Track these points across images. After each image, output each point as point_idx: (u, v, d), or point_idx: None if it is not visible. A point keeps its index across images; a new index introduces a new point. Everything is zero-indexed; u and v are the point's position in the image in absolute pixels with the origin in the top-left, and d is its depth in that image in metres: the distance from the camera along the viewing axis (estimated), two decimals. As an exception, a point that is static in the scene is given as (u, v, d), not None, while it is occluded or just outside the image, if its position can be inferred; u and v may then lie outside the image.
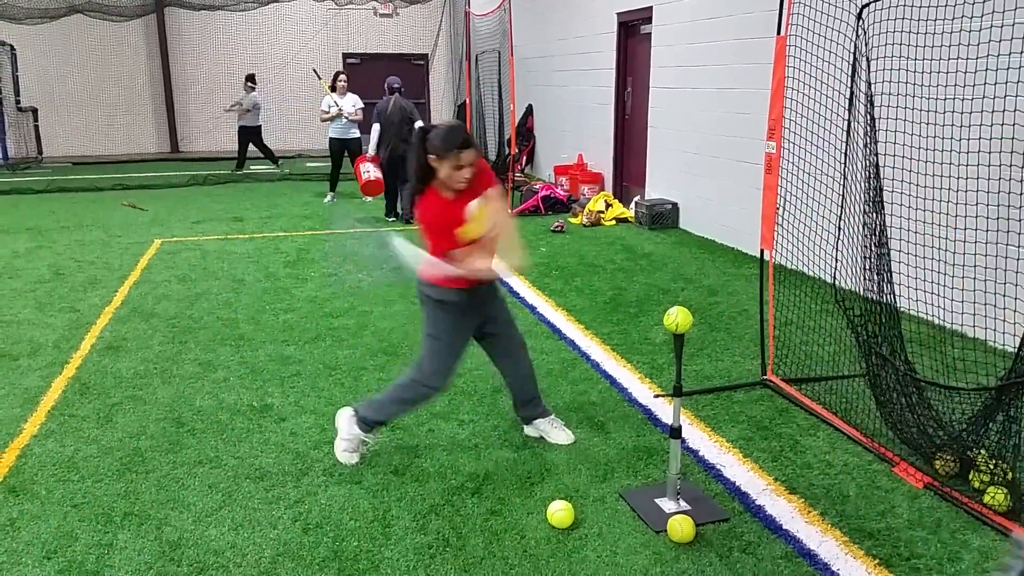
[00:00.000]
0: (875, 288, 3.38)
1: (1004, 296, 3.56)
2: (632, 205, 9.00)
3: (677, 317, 2.75)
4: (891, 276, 3.38)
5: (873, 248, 3.37)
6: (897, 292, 3.42)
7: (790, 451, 3.41)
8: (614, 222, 8.87)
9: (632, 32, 9.49)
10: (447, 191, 3.05)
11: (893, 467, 3.22)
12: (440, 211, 3.06)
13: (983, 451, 3.02)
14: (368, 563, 2.66)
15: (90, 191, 11.67)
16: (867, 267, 3.42)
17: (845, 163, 3.55)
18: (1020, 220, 3.96)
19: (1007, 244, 4.03)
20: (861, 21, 3.38)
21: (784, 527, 2.83)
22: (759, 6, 6.65)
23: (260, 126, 13.28)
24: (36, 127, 15.57)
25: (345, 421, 3.36)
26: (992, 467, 2.96)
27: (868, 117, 3.37)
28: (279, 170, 13.31)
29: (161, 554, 2.72)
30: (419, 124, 8.55)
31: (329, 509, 3.00)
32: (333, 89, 10.16)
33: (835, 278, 3.71)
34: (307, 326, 5.22)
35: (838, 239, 3.66)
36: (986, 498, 2.92)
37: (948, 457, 3.10)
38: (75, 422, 3.79)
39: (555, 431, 3.52)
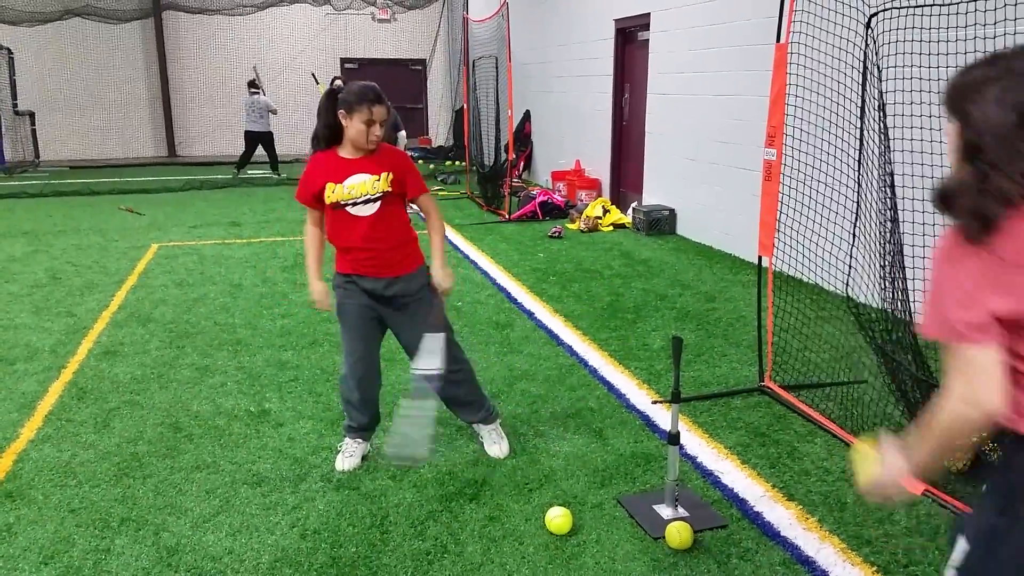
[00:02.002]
0: (890, 296, 3.38)
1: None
2: (629, 211, 9.02)
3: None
4: (906, 283, 3.38)
5: (888, 256, 3.38)
6: (912, 299, 3.42)
7: (788, 458, 3.42)
8: (611, 228, 8.88)
9: (630, 38, 9.52)
10: (348, 152, 3.03)
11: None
12: (327, 164, 3.04)
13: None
14: (366, 569, 2.66)
15: (87, 195, 11.66)
16: (882, 275, 3.43)
17: (859, 171, 3.55)
18: None
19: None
20: (870, 30, 3.39)
21: (782, 534, 2.84)
22: (757, 13, 6.68)
23: (270, 132, 13.25)
24: (33, 131, 15.55)
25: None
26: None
27: (880, 125, 3.38)
28: (277, 177, 13.31)
29: (159, 560, 2.72)
30: (403, 133, 8.55)
31: (327, 515, 2.99)
32: None
33: (847, 283, 3.72)
34: (304, 331, 5.21)
35: (852, 245, 3.66)
36: None
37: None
38: (72, 427, 3.78)
39: (490, 445, 3.45)
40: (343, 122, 2.98)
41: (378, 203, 3.04)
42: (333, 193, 3.02)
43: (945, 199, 1.42)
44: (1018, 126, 1.34)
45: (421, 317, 3.21)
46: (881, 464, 1.55)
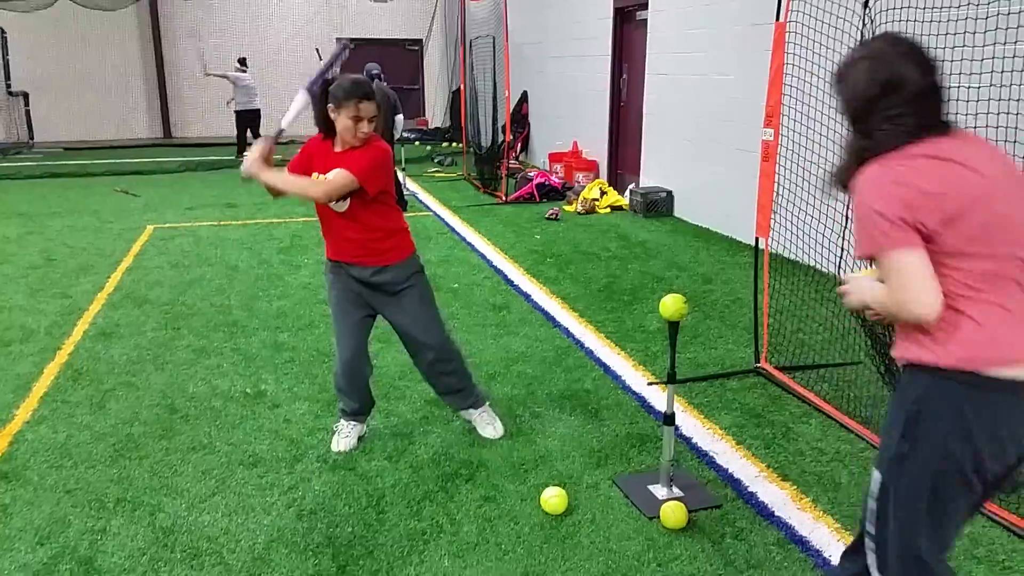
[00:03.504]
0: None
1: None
2: (627, 193, 8.99)
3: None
4: None
5: None
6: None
7: (783, 438, 3.42)
8: (609, 210, 8.85)
9: (628, 18, 9.45)
10: (339, 144, 3.02)
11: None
12: (319, 152, 3.05)
13: None
14: (362, 549, 2.67)
15: (82, 176, 11.59)
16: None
17: None
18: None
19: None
20: (868, 10, 3.36)
21: (776, 514, 2.85)
22: (755, -7, 6.62)
23: (258, 110, 13.07)
24: (27, 112, 15.45)
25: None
26: None
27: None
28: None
29: (154, 540, 2.72)
30: (400, 116, 8.47)
31: (323, 495, 3.00)
32: None
33: (839, 265, 3.71)
34: (301, 312, 5.20)
35: (844, 228, 3.65)
36: None
37: None
38: (68, 408, 3.78)
39: (484, 425, 3.46)
40: (331, 115, 2.96)
41: (347, 200, 3.01)
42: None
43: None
44: (880, 96, 1.70)
45: (411, 303, 3.21)
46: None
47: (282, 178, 3.01)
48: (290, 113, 3.05)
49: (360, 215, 3.04)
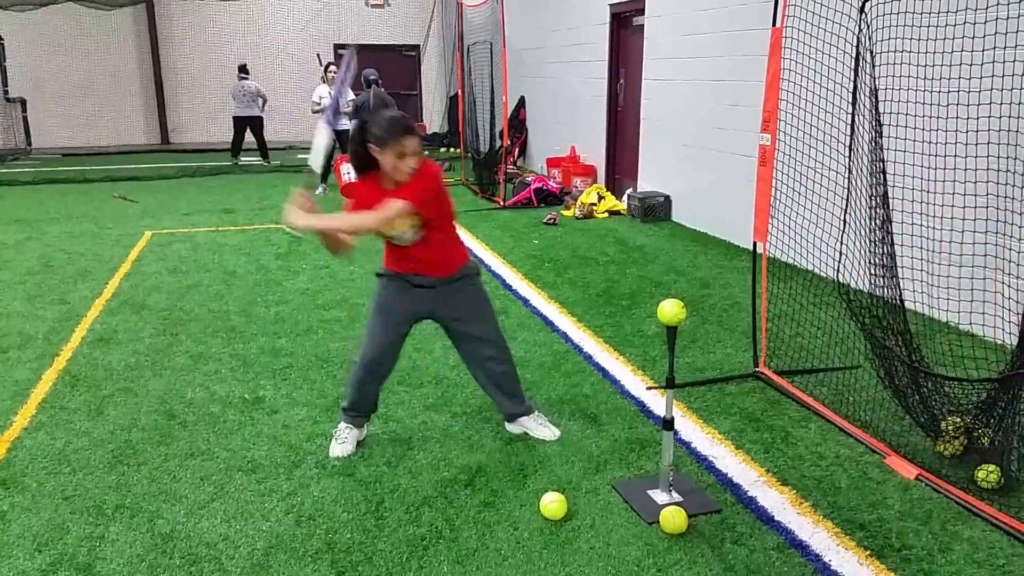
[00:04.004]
0: (880, 281, 3.38)
1: (1006, 289, 3.57)
2: (624, 198, 9.00)
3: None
4: (896, 269, 3.38)
5: (879, 242, 3.38)
6: (902, 284, 3.43)
7: (782, 443, 3.42)
8: (607, 215, 8.86)
9: (625, 24, 9.47)
10: (389, 183, 3.00)
11: (884, 458, 3.24)
12: (369, 194, 3.01)
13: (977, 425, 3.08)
14: (361, 555, 2.66)
15: (80, 182, 11.59)
16: (872, 261, 3.43)
17: (850, 157, 3.54)
18: (1021, 213, 3.95)
19: (1009, 237, 4.04)
20: (864, 15, 3.37)
21: (776, 518, 2.85)
22: (752, -2, 6.64)
23: (260, 117, 13.06)
24: (24, 118, 15.43)
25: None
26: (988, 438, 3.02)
27: (873, 111, 3.37)
28: (267, 164, 13.21)
29: (153, 546, 2.72)
30: None
31: (322, 501, 2.99)
32: (324, 81, 10.12)
33: (838, 270, 3.71)
34: (299, 318, 5.20)
35: (842, 232, 3.66)
36: (979, 474, 2.96)
37: (951, 430, 3.14)
38: (66, 414, 3.77)
39: (539, 427, 3.49)
40: (375, 155, 2.93)
41: (418, 230, 3.06)
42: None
43: None
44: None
45: (471, 300, 3.30)
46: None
47: (334, 219, 3.06)
48: (318, 153, 3.09)
49: (433, 238, 3.11)
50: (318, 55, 12.02)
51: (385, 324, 3.27)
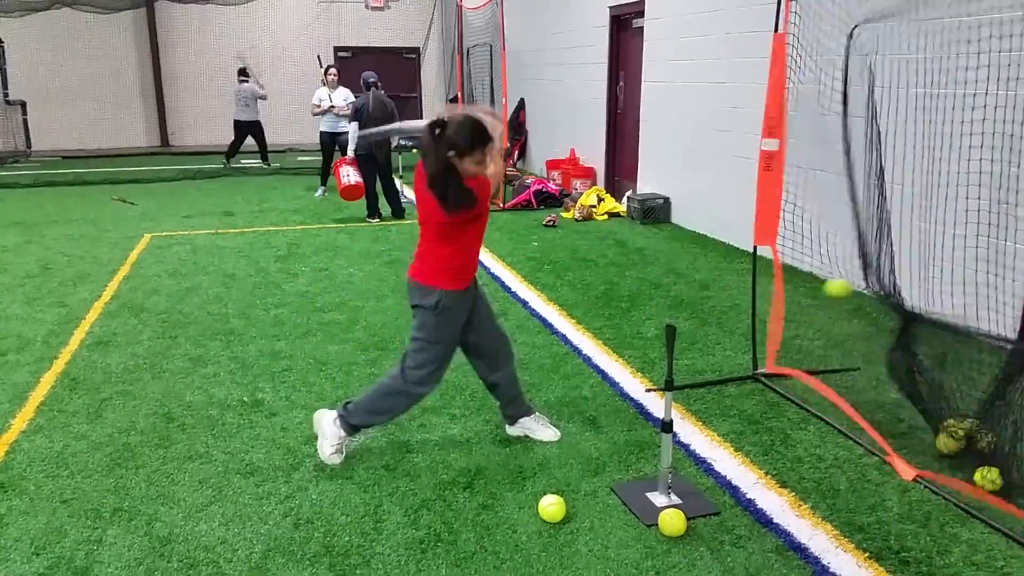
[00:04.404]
0: (878, 281, 3.38)
1: (999, 287, 3.57)
2: (624, 200, 9.00)
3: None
4: (894, 268, 3.38)
5: (877, 241, 3.38)
6: (899, 283, 3.43)
7: (781, 445, 3.42)
8: (606, 217, 8.86)
9: (624, 26, 9.47)
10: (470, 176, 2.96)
11: (883, 460, 3.24)
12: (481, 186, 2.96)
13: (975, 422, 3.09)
14: (359, 558, 2.66)
15: (79, 185, 11.59)
16: (869, 261, 3.43)
17: (847, 158, 3.54)
18: (1016, 217, 3.96)
19: (1004, 240, 4.05)
20: (852, 40, 3.38)
21: (775, 521, 2.84)
22: (751, 0, 6.64)
23: (258, 121, 13.04)
24: (24, 121, 15.43)
25: (328, 424, 3.28)
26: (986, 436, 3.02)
27: (870, 114, 3.37)
28: (267, 166, 13.22)
29: (151, 550, 2.71)
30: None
31: (320, 504, 2.99)
32: (324, 83, 10.13)
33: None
34: (298, 321, 5.20)
35: (835, 234, 3.66)
36: (978, 476, 2.95)
37: (954, 427, 3.14)
38: (64, 417, 3.76)
39: (541, 428, 3.49)
40: (454, 162, 2.87)
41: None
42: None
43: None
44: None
45: (484, 307, 3.32)
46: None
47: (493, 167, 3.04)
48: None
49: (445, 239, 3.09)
50: (318, 57, 12.01)
51: (452, 343, 3.22)
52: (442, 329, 3.14)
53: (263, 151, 13.22)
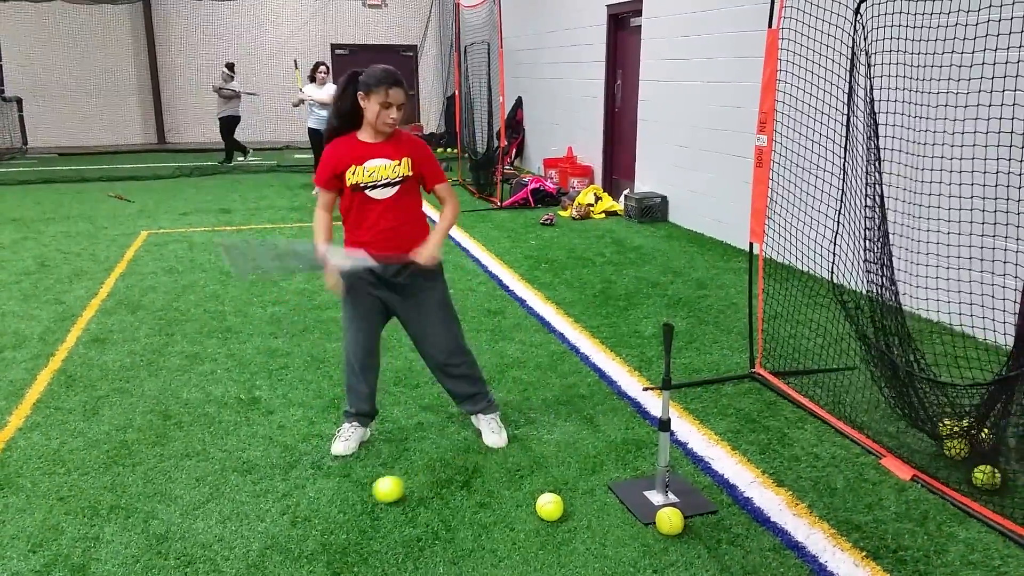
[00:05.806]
0: (876, 281, 3.38)
1: (998, 290, 3.57)
2: (621, 198, 9.00)
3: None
4: (892, 270, 3.38)
5: (874, 242, 3.38)
6: (898, 285, 3.43)
7: (778, 444, 3.43)
8: (603, 215, 8.87)
9: (622, 25, 9.47)
10: (368, 135, 3.08)
11: (880, 459, 3.24)
12: (348, 147, 3.08)
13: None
14: (357, 556, 2.66)
15: (76, 182, 11.57)
16: (867, 260, 3.43)
17: (845, 157, 3.55)
18: (1019, 213, 3.96)
19: (1005, 238, 4.05)
20: (859, 16, 3.37)
21: (772, 519, 2.85)
22: (749, -1, 6.65)
23: (230, 116, 13.16)
24: (20, 117, 15.41)
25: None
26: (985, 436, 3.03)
27: (869, 113, 3.37)
28: (245, 159, 13.36)
29: (148, 547, 2.71)
30: None
31: (318, 502, 2.99)
32: (312, 80, 10.19)
33: (832, 272, 3.72)
34: (295, 318, 5.19)
35: (836, 232, 3.66)
36: (976, 475, 2.96)
37: (952, 425, 3.15)
38: (61, 415, 3.76)
39: (488, 433, 3.44)
40: (361, 103, 3.02)
41: (396, 187, 3.11)
42: (354, 175, 3.06)
43: None
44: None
45: (429, 307, 3.26)
46: None
47: (442, 226, 3.21)
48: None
49: (397, 206, 3.14)
50: (295, 61, 12.14)
51: (356, 315, 3.32)
52: (344, 289, 3.25)
53: (238, 146, 13.39)
